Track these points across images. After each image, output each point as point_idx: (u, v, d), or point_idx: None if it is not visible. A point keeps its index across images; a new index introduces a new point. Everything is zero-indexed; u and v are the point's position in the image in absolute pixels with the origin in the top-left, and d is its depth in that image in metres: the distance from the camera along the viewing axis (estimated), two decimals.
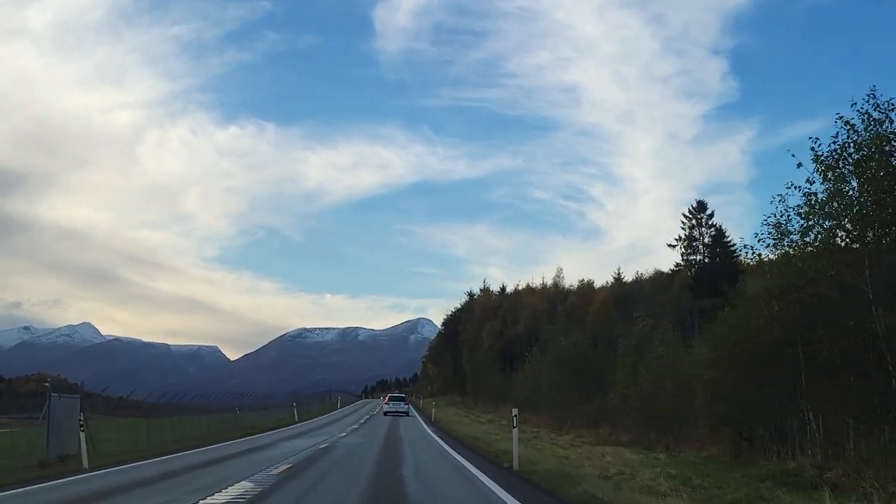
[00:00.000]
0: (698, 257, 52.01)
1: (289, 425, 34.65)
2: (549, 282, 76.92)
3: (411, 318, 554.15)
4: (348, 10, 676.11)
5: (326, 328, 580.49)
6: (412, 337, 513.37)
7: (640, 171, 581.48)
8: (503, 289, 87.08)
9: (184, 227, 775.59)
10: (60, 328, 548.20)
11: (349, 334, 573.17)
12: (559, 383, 29.27)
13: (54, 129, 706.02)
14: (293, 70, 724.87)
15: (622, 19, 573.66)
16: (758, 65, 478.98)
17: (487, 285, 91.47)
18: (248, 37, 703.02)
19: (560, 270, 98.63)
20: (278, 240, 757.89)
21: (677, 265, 53.35)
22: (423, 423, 36.68)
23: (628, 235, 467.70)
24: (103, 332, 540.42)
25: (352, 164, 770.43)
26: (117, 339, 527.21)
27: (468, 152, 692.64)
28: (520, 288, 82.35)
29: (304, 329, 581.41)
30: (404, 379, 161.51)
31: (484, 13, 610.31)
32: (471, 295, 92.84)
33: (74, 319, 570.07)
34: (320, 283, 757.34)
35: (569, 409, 27.90)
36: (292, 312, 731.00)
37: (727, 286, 44.14)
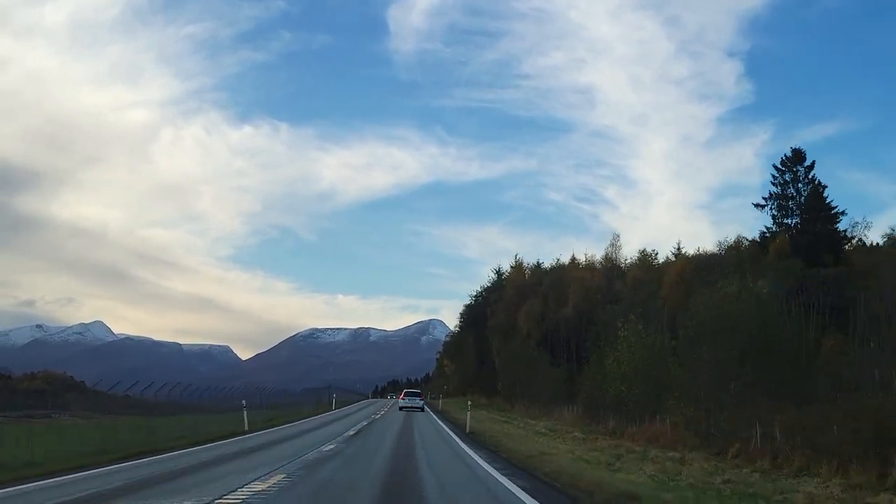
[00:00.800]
0: (792, 220, 42.44)
1: (233, 436, 21.02)
2: (599, 255, 63.11)
3: (423, 319, 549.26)
4: (362, 10, 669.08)
5: (338, 328, 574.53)
6: (424, 338, 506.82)
7: (653, 174, 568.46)
8: (538, 264, 72.09)
9: (197, 227, 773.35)
10: (72, 326, 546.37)
11: (361, 335, 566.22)
12: (720, 367, 15.23)
13: (68, 126, 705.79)
14: (307, 70, 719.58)
15: (637, 21, 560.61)
16: (773, 67, 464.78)
17: (520, 260, 74.88)
18: (263, 36, 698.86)
19: (616, 238, 75.26)
20: (291, 239, 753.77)
21: (767, 230, 43.40)
22: (454, 437, 22.15)
23: (642, 237, 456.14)
24: (115, 331, 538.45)
25: (365, 165, 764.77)
26: (129, 338, 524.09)
27: (482, 153, 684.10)
28: (562, 262, 68.35)
29: (316, 329, 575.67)
30: (416, 379, 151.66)
31: (498, 14, 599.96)
32: (499, 273, 77.41)
33: (87, 318, 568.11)
34: (333, 284, 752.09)
35: (739, 415, 14.51)
36: (304, 312, 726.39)
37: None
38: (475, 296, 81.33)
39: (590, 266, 62.18)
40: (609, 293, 52.19)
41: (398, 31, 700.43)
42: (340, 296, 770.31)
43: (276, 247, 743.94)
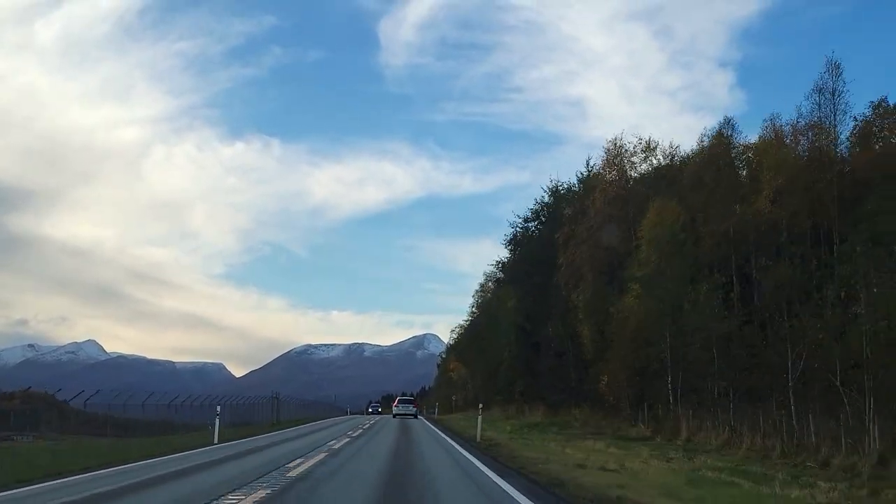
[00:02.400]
0: None
1: None
2: (786, 117, 29.61)
3: (418, 334, 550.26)
4: (353, 25, 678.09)
5: (332, 344, 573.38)
6: (419, 353, 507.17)
7: None
8: (649, 144, 36.06)
9: (190, 244, 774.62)
10: (65, 345, 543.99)
11: (355, 350, 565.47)
12: None
13: (60, 144, 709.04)
14: (298, 85, 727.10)
15: (629, 31, 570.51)
16: (765, 77, 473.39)
17: (614, 145, 36.71)
18: (254, 52, 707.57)
19: (833, 69, 27.86)
20: (284, 256, 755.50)
21: None
22: None
23: None
24: (108, 350, 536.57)
25: (357, 180, 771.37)
26: (122, 357, 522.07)
27: (474, 167, 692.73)
28: (729, 136, 31.90)
29: (310, 345, 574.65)
30: (411, 393, 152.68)
31: (489, 27, 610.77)
32: (555, 193, 44.73)
33: (80, 337, 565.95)
34: (327, 300, 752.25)
35: None
36: (298, 329, 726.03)
37: None
38: (521, 224, 47.11)
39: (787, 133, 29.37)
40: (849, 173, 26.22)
41: (389, 45, 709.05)
42: (334, 312, 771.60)
43: (270, 263, 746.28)
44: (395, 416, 46.25)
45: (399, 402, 50.37)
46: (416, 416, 46.55)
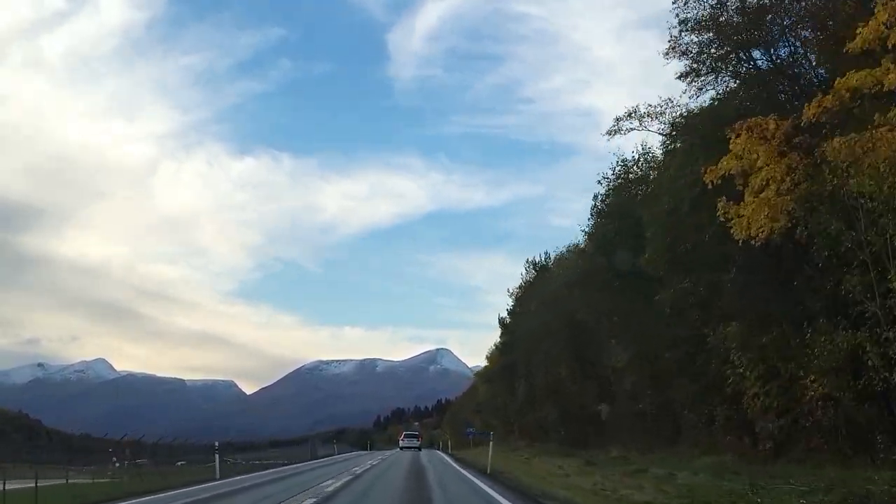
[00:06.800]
0: None
1: None
2: None
3: (430, 349, 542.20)
4: (362, 37, 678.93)
5: (344, 360, 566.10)
6: (431, 368, 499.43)
7: None
8: None
9: (200, 261, 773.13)
10: (74, 364, 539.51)
11: (367, 366, 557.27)
12: None
13: (68, 162, 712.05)
14: (307, 98, 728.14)
15: (641, 41, 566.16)
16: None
17: None
18: (262, 65, 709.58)
19: None
20: (296, 272, 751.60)
21: None
22: None
23: None
24: (117, 368, 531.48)
25: (368, 194, 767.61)
26: (131, 375, 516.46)
27: (486, 180, 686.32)
28: None
29: (321, 361, 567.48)
30: (425, 408, 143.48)
31: (499, 37, 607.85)
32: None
33: (90, 355, 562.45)
34: (338, 315, 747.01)
35: None
36: (310, 345, 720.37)
37: None
38: None
39: None
40: None
41: (398, 56, 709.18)
42: (347, 328, 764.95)
43: (280, 279, 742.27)
44: (401, 448, 49.95)
45: (405, 436, 55.51)
46: (419, 449, 48.73)
